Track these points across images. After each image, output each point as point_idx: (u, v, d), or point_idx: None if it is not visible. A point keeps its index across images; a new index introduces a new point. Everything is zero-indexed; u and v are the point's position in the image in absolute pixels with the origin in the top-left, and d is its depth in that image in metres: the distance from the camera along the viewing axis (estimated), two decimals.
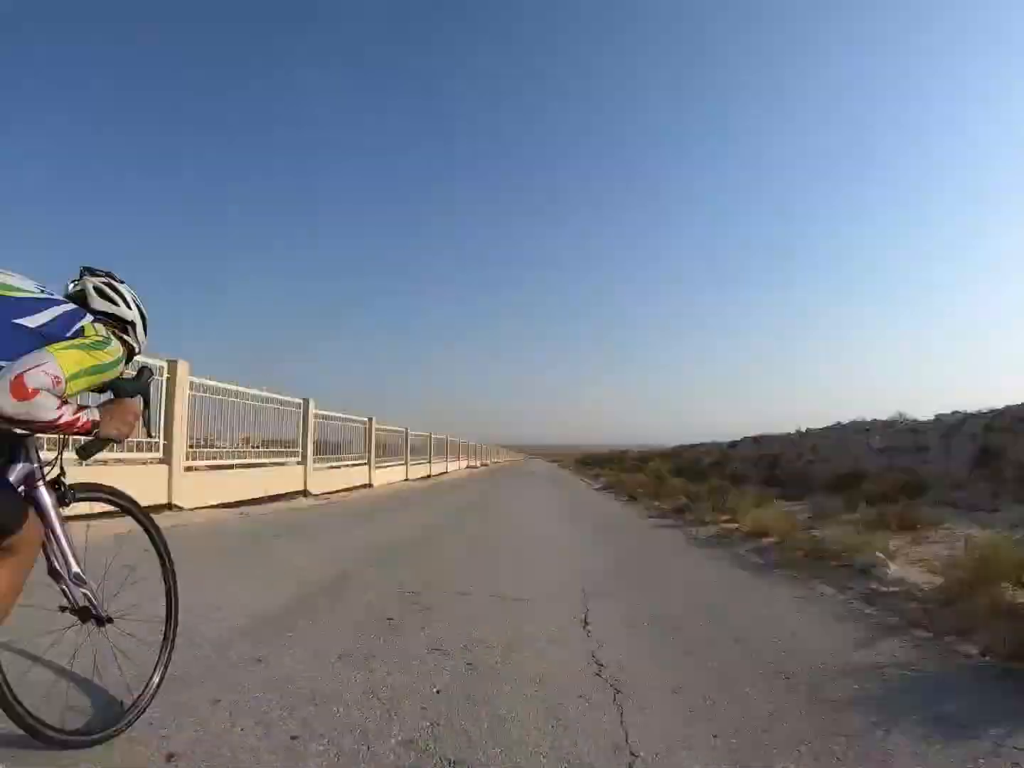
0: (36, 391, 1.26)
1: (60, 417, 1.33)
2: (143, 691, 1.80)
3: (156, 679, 1.86)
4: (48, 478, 1.56)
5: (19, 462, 1.48)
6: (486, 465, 42.44)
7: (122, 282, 1.67)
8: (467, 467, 33.24)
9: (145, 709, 1.78)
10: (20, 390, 1.23)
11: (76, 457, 1.64)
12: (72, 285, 1.62)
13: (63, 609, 1.64)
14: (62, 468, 1.60)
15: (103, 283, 1.62)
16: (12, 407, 1.23)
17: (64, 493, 1.60)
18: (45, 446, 1.77)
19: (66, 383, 1.33)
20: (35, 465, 1.52)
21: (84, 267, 1.64)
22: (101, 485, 1.76)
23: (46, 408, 1.29)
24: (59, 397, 1.33)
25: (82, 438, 1.52)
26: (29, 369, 1.26)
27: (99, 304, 1.59)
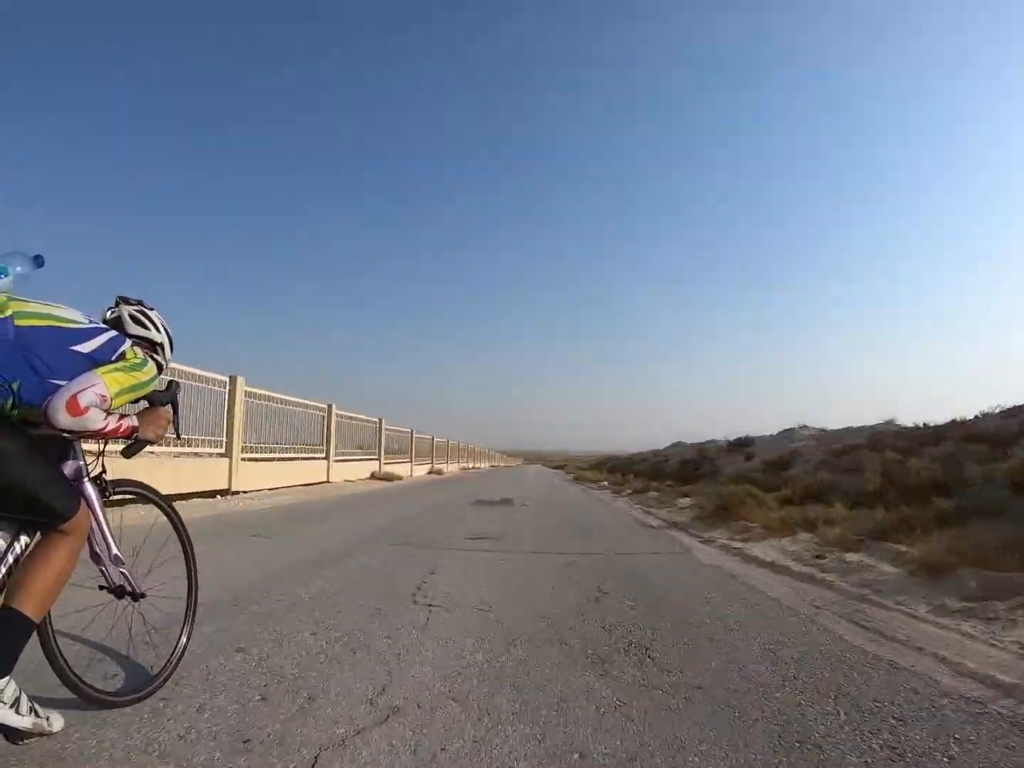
0: (87, 408, 1.56)
1: (106, 426, 1.64)
2: (171, 655, 2.10)
3: (183, 640, 2.17)
4: (92, 474, 1.85)
5: (68, 460, 1.78)
6: (437, 474, 25.23)
7: (152, 309, 1.98)
8: (371, 476, 17.34)
9: (173, 671, 2.07)
10: (74, 408, 1.53)
11: (121, 456, 1.94)
12: (109, 312, 1.92)
13: (102, 588, 1.93)
14: (103, 466, 1.90)
15: (136, 311, 1.92)
16: (68, 422, 1.54)
17: (105, 487, 1.90)
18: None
19: (111, 400, 1.63)
20: (81, 463, 1.82)
21: (119, 297, 1.95)
22: (134, 480, 2.06)
23: (95, 421, 1.59)
24: (105, 411, 1.63)
25: (124, 441, 1.83)
26: (82, 390, 1.55)
27: (134, 329, 1.89)
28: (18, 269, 1.63)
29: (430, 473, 24.80)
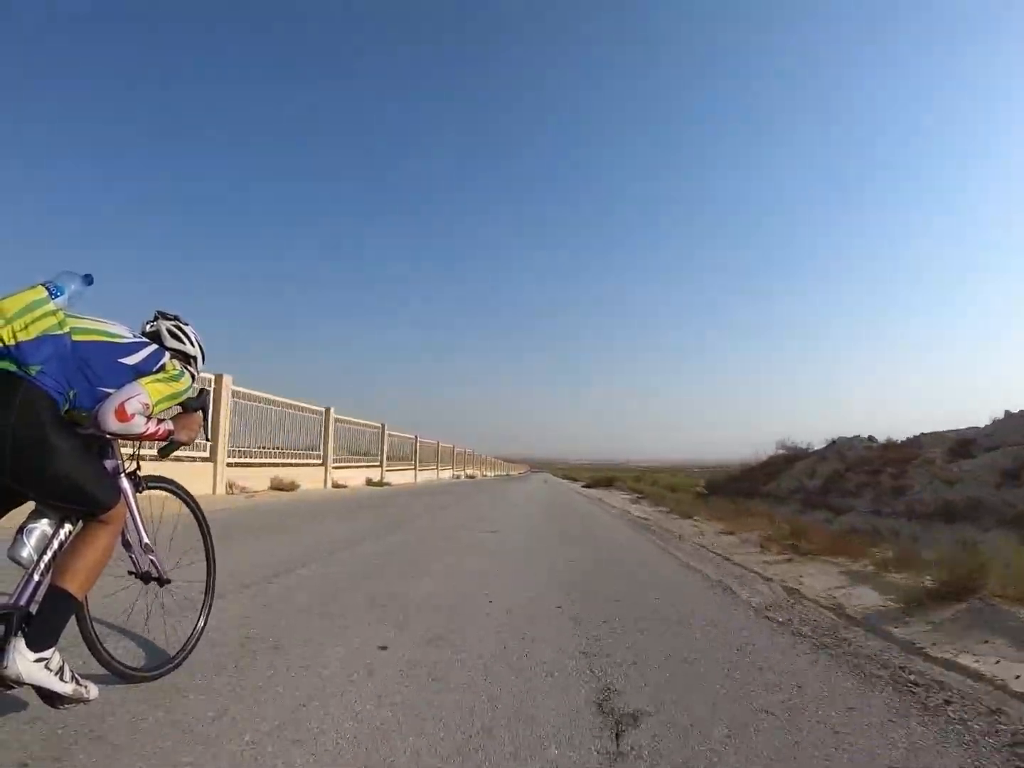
0: (133, 415, 1.78)
1: (147, 430, 1.86)
2: (191, 635, 2.31)
3: (201, 624, 2.38)
4: (127, 470, 2.07)
5: (107, 458, 1.99)
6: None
7: (187, 324, 2.19)
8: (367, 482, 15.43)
9: (192, 650, 2.28)
10: (122, 414, 1.76)
11: (157, 455, 2.15)
12: (148, 326, 2.13)
13: (130, 573, 2.14)
14: (138, 464, 2.12)
15: (173, 326, 2.14)
16: (116, 426, 1.77)
17: (139, 482, 2.12)
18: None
19: (152, 407, 1.86)
20: (118, 461, 2.03)
21: (158, 311, 2.17)
22: (164, 477, 2.28)
23: (138, 425, 1.82)
24: (147, 417, 1.85)
25: (160, 443, 2.05)
26: (128, 398, 1.78)
27: (171, 343, 2.10)
28: (72, 287, 1.84)
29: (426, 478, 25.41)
